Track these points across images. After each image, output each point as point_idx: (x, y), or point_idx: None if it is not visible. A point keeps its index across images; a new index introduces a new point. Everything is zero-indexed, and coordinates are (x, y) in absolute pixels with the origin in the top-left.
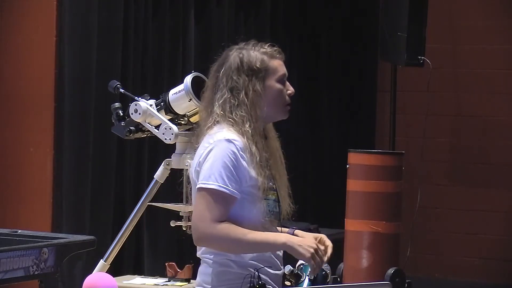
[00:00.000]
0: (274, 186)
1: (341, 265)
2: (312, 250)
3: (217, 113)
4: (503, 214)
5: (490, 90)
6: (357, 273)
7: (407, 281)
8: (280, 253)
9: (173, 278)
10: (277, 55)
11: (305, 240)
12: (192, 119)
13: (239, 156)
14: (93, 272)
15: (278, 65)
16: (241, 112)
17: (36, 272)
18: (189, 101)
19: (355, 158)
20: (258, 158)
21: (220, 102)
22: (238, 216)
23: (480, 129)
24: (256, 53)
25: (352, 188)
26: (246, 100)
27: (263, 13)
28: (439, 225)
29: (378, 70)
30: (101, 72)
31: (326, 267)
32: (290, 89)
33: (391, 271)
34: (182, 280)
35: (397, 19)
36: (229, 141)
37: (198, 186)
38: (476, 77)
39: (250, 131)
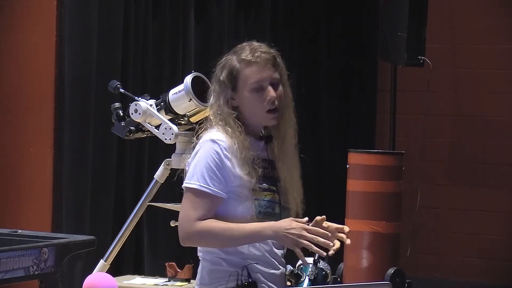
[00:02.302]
0: (271, 187)
1: (341, 265)
2: (296, 238)
3: (210, 117)
4: (503, 214)
5: (490, 90)
6: (357, 273)
7: (407, 281)
8: (279, 252)
9: (173, 278)
10: (255, 60)
11: (292, 226)
12: (192, 119)
13: (222, 156)
14: (93, 272)
15: (251, 73)
16: (225, 117)
17: (36, 272)
18: (189, 101)
19: (355, 158)
20: (243, 157)
21: (210, 108)
22: (224, 215)
23: (480, 129)
24: (233, 62)
25: (352, 188)
26: (225, 108)
27: (263, 13)
28: (439, 225)
29: (378, 70)
30: (101, 72)
31: (326, 267)
32: (269, 95)
33: (391, 271)
34: (182, 280)
35: (397, 19)
36: (213, 141)
37: (183, 185)
38: (476, 77)
39: (236, 133)
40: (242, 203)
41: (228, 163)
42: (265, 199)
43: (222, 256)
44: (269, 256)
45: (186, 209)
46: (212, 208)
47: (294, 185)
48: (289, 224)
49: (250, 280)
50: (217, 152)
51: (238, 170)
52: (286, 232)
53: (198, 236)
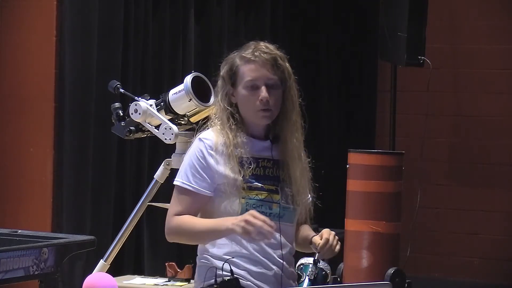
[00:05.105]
0: (269, 186)
1: (341, 265)
2: (242, 224)
3: (211, 115)
4: (503, 214)
5: (490, 90)
6: (357, 273)
7: (407, 281)
8: (274, 252)
9: (173, 278)
10: (254, 59)
11: (245, 215)
12: (192, 119)
13: (206, 154)
14: (93, 272)
15: (248, 70)
16: (220, 112)
17: (36, 272)
18: (189, 101)
19: (355, 158)
20: (229, 154)
21: (213, 103)
22: (211, 213)
23: (480, 129)
24: (235, 58)
25: (352, 188)
26: (222, 104)
27: (263, 13)
28: (439, 225)
29: (378, 70)
30: (101, 72)
31: (326, 267)
32: (261, 95)
33: (391, 271)
34: (182, 280)
35: (397, 19)
36: (200, 139)
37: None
38: (476, 77)
39: (226, 130)
40: (227, 201)
41: (211, 161)
42: (256, 198)
43: (208, 252)
44: (258, 254)
45: (170, 205)
46: (193, 205)
47: (302, 186)
48: (241, 216)
49: (233, 276)
50: (201, 151)
51: (222, 168)
52: (240, 221)
53: (173, 231)
